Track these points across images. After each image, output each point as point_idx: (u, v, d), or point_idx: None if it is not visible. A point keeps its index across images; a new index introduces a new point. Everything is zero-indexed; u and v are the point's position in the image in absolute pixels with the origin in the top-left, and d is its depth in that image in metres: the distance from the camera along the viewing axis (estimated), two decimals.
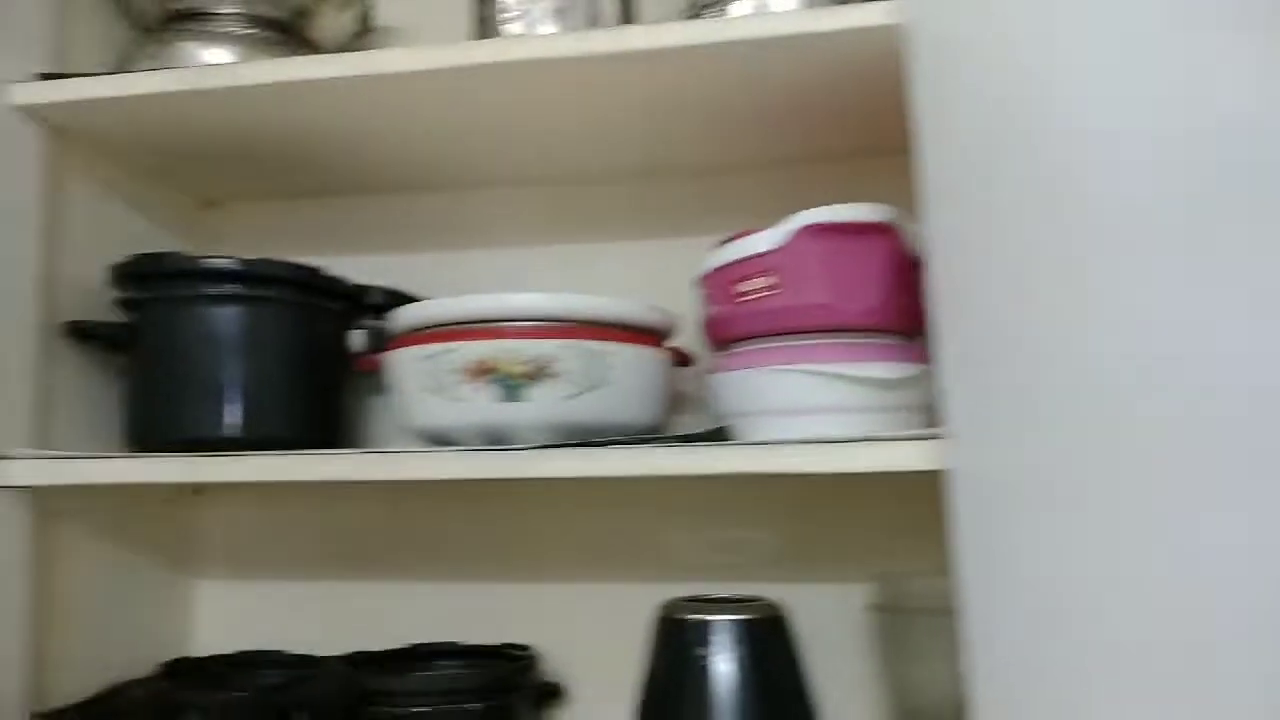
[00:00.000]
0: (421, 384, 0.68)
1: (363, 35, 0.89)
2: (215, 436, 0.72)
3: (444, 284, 0.88)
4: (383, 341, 0.83)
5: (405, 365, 0.69)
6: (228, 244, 0.97)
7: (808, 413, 0.66)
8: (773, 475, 0.61)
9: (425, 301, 0.69)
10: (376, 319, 0.84)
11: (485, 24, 0.77)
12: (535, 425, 0.66)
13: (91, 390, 0.80)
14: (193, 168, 0.88)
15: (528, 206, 0.94)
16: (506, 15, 0.75)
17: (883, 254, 0.66)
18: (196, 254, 0.74)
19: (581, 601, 0.89)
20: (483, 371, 0.66)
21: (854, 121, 0.80)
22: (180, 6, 0.80)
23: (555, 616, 0.89)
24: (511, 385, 0.66)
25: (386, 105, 0.74)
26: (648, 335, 0.72)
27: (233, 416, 0.72)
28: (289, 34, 0.81)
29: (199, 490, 0.96)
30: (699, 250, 0.73)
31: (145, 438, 0.74)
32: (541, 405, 0.66)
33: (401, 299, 0.83)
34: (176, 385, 0.73)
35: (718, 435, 0.63)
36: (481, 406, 0.66)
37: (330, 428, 0.79)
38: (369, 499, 0.93)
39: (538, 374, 0.66)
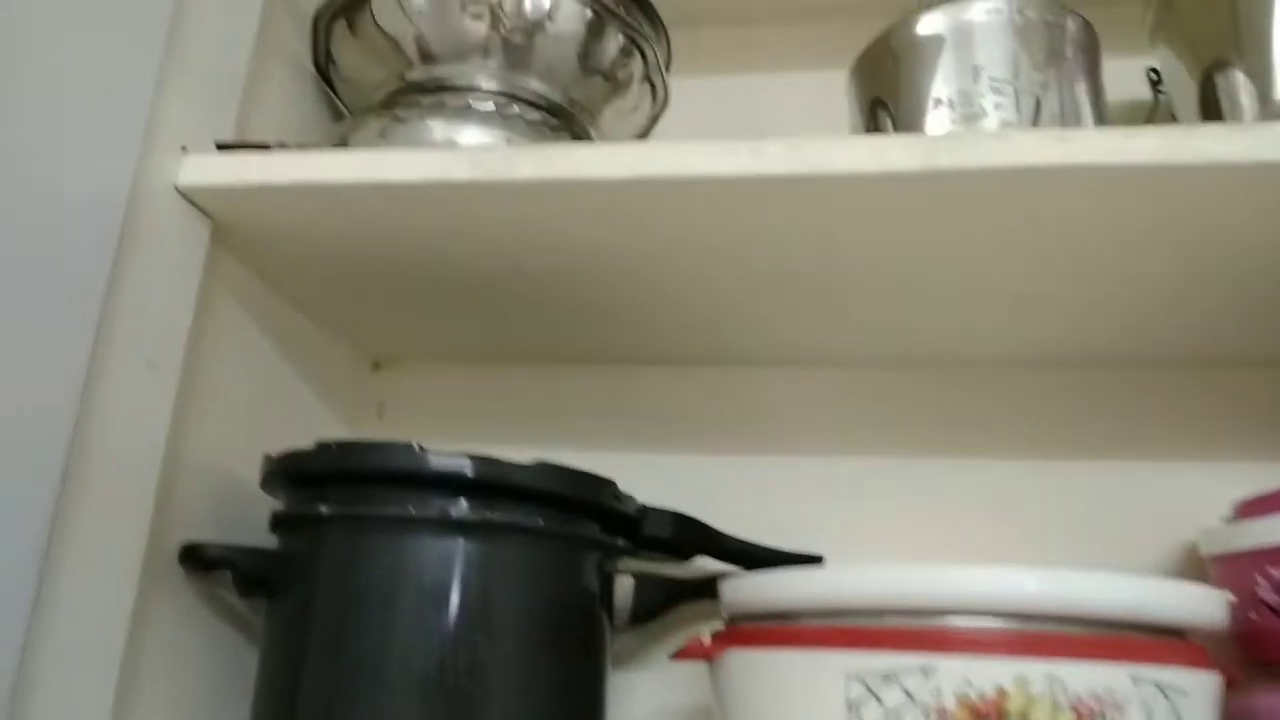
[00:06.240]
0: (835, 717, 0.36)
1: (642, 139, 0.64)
2: None
3: (721, 505, 0.56)
4: (667, 600, 0.53)
5: (799, 678, 0.38)
6: (390, 420, 0.69)
7: None
8: None
9: (860, 570, 0.37)
10: (649, 557, 0.53)
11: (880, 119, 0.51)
12: None
13: (203, 656, 0.49)
14: (380, 307, 0.61)
15: (860, 393, 0.64)
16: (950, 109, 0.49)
17: None
18: (416, 445, 0.44)
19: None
20: (982, 716, 0.34)
21: None
22: (418, 78, 0.55)
23: None
24: None
25: (698, 225, 0.47)
26: (1199, 649, 0.40)
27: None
28: (562, 123, 0.56)
29: None
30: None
31: None
32: None
33: (698, 531, 0.52)
34: (354, 661, 0.42)
35: None
36: None
37: None
38: None
39: None
